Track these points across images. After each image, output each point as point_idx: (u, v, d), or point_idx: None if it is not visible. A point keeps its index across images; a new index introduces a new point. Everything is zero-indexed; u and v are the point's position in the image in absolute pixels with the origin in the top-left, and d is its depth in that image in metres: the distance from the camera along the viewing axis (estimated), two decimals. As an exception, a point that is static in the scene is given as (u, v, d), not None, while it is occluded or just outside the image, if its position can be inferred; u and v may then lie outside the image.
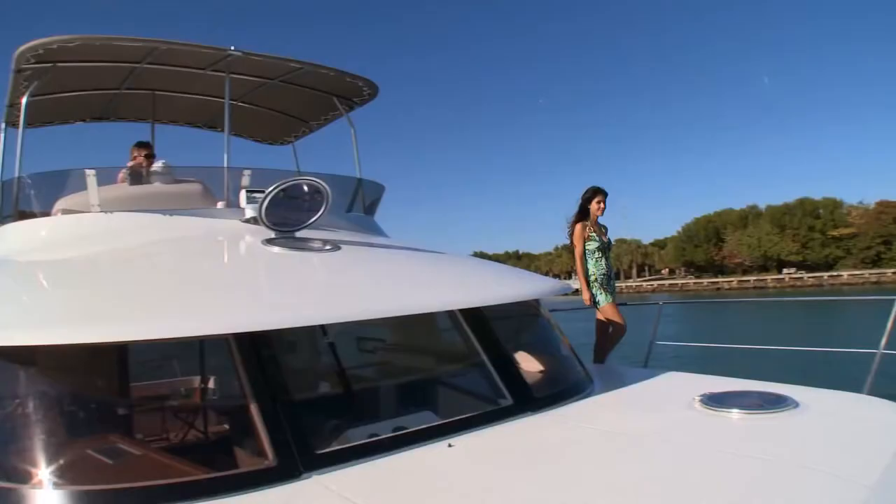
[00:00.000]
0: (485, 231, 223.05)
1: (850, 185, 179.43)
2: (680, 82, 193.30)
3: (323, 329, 3.53)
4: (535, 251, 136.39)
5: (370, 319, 3.05)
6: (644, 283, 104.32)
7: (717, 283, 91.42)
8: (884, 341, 4.29)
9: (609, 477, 2.26)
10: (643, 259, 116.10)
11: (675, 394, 3.33)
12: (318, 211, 3.63)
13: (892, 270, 79.22)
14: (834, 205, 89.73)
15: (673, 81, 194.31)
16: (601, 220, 6.16)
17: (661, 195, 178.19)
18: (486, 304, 3.16)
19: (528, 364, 3.46)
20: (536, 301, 3.73)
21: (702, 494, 2.07)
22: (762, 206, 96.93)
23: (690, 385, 3.46)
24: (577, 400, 3.21)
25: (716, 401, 3.00)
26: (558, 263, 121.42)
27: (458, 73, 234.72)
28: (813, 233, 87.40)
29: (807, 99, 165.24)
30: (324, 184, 3.61)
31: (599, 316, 5.95)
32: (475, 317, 3.14)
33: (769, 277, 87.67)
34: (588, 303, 5.86)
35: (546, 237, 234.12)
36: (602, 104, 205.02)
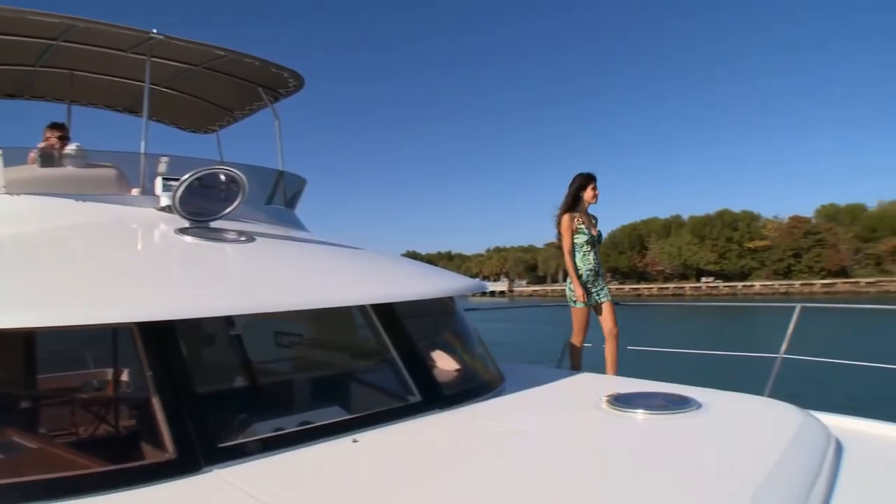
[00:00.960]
0: (419, 231, 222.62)
1: (768, 200, 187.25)
2: (613, 92, 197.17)
3: (231, 321, 3.45)
4: (468, 252, 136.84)
5: (281, 312, 3.03)
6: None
7: (638, 289, 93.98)
8: (784, 346, 4.55)
9: (510, 474, 2.27)
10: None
11: (584, 394, 3.39)
12: (234, 201, 3.56)
13: (801, 282, 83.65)
14: (751, 218, 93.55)
15: (608, 91, 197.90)
16: (591, 211, 5.77)
17: (612, 202, 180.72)
18: (399, 301, 3.16)
19: (440, 362, 3.45)
20: (451, 299, 3.72)
21: (598, 491, 2.12)
22: (685, 216, 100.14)
23: (600, 386, 3.55)
24: (487, 398, 3.23)
25: (622, 401, 3.05)
26: (488, 265, 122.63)
27: (401, 70, 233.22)
28: (731, 244, 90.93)
29: (735, 113, 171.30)
30: (240, 174, 3.53)
31: (577, 316, 5.52)
32: (387, 313, 3.11)
33: (687, 285, 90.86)
34: (582, 300, 5.43)
35: (479, 239, 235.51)
36: (538, 110, 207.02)
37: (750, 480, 2.15)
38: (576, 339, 5.59)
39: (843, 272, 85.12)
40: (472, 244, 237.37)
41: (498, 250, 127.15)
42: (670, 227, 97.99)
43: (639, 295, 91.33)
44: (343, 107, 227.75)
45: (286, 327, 4.09)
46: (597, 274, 5.63)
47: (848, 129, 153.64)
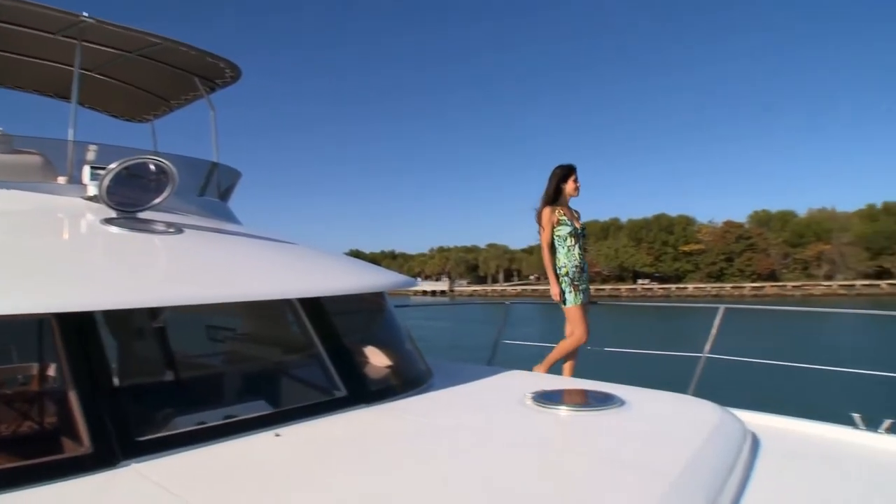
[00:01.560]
0: (365, 229, 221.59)
1: (704, 205, 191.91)
2: (555, 95, 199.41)
3: (155, 313, 3.36)
4: (412, 252, 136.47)
5: (206, 305, 2.97)
6: (508, 288, 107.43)
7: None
8: (708, 346, 4.68)
9: (431, 469, 2.31)
10: (510, 264, 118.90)
11: (510, 391, 3.39)
12: (163, 192, 3.47)
13: (731, 285, 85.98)
14: (687, 222, 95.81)
15: (551, 93, 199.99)
16: (573, 205, 5.45)
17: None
18: (326, 295, 3.16)
19: (367, 357, 3.45)
20: (381, 295, 3.74)
21: (514, 486, 2.13)
22: (624, 219, 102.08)
23: (527, 383, 3.63)
24: (413, 394, 3.24)
25: (547, 398, 3.10)
26: (431, 265, 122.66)
27: (350, 67, 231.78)
28: (666, 247, 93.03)
29: (675, 119, 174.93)
30: (170, 164, 3.44)
31: (572, 317, 5.19)
32: (314, 307, 3.09)
33: (623, 287, 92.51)
34: (557, 298, 5.16)
35: (424, 238, 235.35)
36: (485, 110, 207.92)
37: (664, 474, 2.22)
38: (568, 342, 5.23)
39: (772, 276, 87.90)
40: (416, 244, 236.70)
41: (441, 250, 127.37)
42: (609, 229, 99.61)
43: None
44: (292, 103, 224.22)
45: (213, 321, 4.05)
46: (582, 270, 5.26)
47: (782, 137, 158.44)
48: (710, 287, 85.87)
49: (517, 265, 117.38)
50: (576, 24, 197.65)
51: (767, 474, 2.72)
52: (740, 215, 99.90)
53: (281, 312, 3.42)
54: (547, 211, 5.21)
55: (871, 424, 3.51)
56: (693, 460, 2.42)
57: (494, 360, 5.35)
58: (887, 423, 3.46)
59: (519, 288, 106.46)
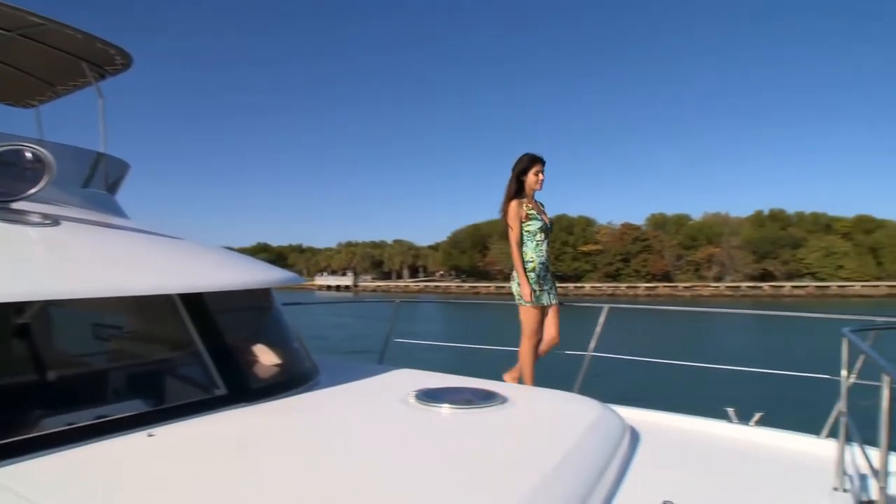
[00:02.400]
0: (274, 223, 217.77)
1: (606, 207, 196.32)
2: (468, 93, 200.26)
3: (23, 308, 3.01)
4: (321, 246, 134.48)
5: (81, 300, 2.81)
6: (411, 284, 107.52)
7: (477, 287, 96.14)
8: (592, 344, 4.81)
9: (307, 468, 2.28)
10: (415, 260, 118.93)
11: (395, 389, 3.38)
12: (39, 182, 3.20)
13: (626, 285, 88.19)
14: (586, 223, 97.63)
15: (462, 92, 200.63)
16: (538, 197, 5.12)
17: (461, 201, 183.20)
18: (207, 291, 3.07)
19: (251, 354, 3.38)
20: (267, 291, 3.66)
21: (389, 483, 2.14)
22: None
23: (413, 381, 3.56)
24: (298, 392, 3.22)
25: (429, 396, 3.11)
26: (337, 259, 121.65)
27: (262, 58, 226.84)
28: (566, 247, 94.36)
29: (581, 122, 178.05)
30: (47, 152, 3.18)
31: (527, 318, 4.89)
32: (195, 303, 3.01)
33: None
34: (528, 298, 4.86)
35: (334, 233, 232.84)
36: (396, 108, 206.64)
37: (536, 469, 2.25)
38: (526, 346, 4.98)
39: (666, 276, 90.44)
40: (326, 238, 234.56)
41: (349, 245, 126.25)
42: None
43: (476, 293, 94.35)
44: (201, 94, 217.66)
45: (90, 317, 3.70)
46: (546, 269, 5.00)
47: (682, 141, 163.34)
48: (606, 286, 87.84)
49: (423, 261, 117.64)
50: (473, 23, 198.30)
51: (645, 467, 2.89)
52: (639, 218, 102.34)
53: (161, 309, 3.26)
54: (514, 205, 4.89)
55: (743, 418, 3.82)
56: (568, 455, 2.47)
57: (385, 358, 5.34)
58: (757, 416, 3.79)
59: (422, 284, 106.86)
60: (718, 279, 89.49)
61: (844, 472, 2.94)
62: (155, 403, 2.90)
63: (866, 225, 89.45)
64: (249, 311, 3.79)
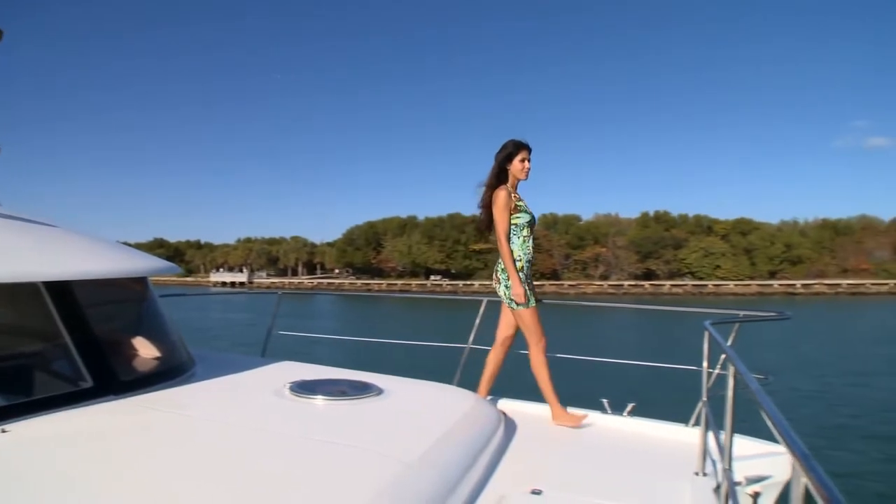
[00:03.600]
0: (172, 217, 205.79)
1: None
2: (369, 90, 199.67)
3: None
4: (222, 241, 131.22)
5: None
6: (306, 280, 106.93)
7: (370, 284, 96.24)
8: (471, 337, 4.79)
9: (173, 462, 2.22)
10: (310, 257, 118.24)
11: (272, 381, 3.32)
12: None
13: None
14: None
15: (367, 88, 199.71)
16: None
17: (360, 198, 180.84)
18: (74, 279, 2.92)
19: (122, 346, 3.27)
20: (143, 280, 3.54)
21: (255, 475, 2.11)
22: (422, 216, 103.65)
23: (293, 374, 3.51)
24: (170, 385, 3.11)
25: (304, 388, 3.11)
26: (234, 255, 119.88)
27: (160, 46, 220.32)
28: (458, 245, 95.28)
29: (476, 124, 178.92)
30: None
31: (529, 321, 4.21)
32: (61, 292, 2.86)
33: (414, 282, 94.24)
34: (522, 300, 4.17)
35: (234, 228, 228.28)
36: (301, 102, 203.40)
37: (405, 459, 2.28)
38: (537, 354, 4.27)
39: (554, 275, 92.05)
40: (226, 234, 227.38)
41: (248, 241, 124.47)
42: (405, 226, 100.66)
43: (369, 289, 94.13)
44: (94, 85, 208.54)
45: None
46: (532, 266, 4.37)
47: (578, 142, 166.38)
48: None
49: (320, 258, 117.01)
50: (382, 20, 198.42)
51: (519, 456, 3.01)
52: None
53: (25, 298, 3.02)
54: (504, 193, 4.22)
55: (617, 408, 3.97)
56: (435, 445, 2.50)
57: (268, 351, 5.21)
58: (630, 406, 3.95)
59: (316, 281, 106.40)
60: (604, 277, 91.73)
61: (705, 458, 3.06)
62: (11, 398, 2.68)
63: (743, 227, 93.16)
64: (123, 301, 3.64)
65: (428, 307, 42.95)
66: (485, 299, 4.94)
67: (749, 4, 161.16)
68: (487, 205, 4.31)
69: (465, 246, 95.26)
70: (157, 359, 3.44)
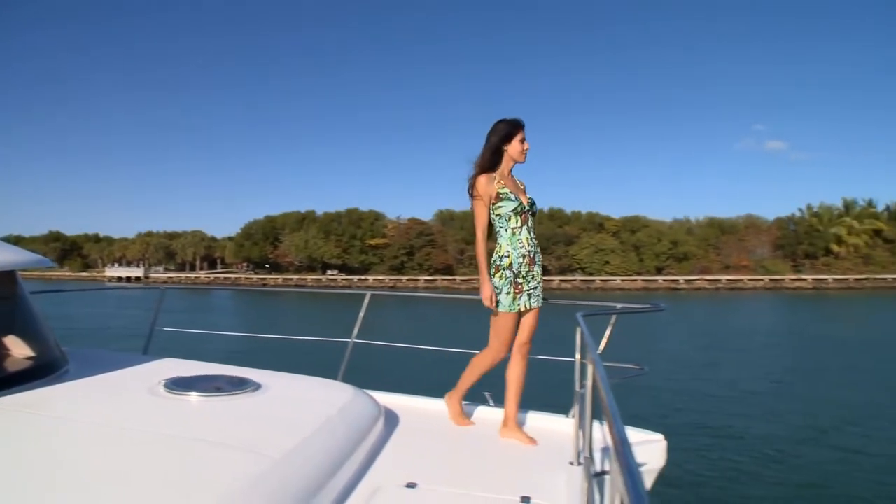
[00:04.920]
0: (68, 210, 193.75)
1: (404, 202, 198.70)
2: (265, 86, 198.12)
3: None
4: (125, 235, 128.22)
5: None
6: (202, 275, 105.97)
7: (266, 279, 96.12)
8: (355, 331, 4.79)
9: (32, 463, 2.12)
10: (209, 251, 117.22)
11: (148, 378, 3.24)
12: None
13: (408, 277, 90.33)
14: (375, 217, 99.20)
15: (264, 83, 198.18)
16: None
17: (259, 193, 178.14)
18: None
19: None
20: (10, 274, 3.41)
21: (108, 474, 2.05)
22: (321, 211, 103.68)
23: (171, 370, 3.44)
24: (38, 385, 2.98)
25: (179, 385, 3.04)
26: (132, 250, 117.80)
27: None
28: (354, 240, 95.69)
29: (395, 118, 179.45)
30: None
31: (501, 327, 3.79)
32: None
33: (309, 277, 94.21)
34: (488, 303, 3.75)
35: (136, 221, 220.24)
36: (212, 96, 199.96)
37: (273, 454, 2.25)
38: (486, 359, 3.90)
39: (449, 270, 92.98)
40: (127, 227, 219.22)
41: (149, 235, 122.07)
42: (304, 220, 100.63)
43: (265, 284, 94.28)
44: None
45: None
46: (532, 262, 3.84)
47: (470, 141, 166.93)
48: (388, 279, 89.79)
49: (221, 253, 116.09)
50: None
51: (399, 450, 3.06)
52: (430, 213, 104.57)
53: None
54: (482, 181, 3.79)
55: (499, 401, 3.95)
56: (306, 440, 2.48)
57: (151, 348, 5.10)
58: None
59: (213, 276, 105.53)
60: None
61: (580, 448, 2.97)
62: None
63: (633, 225, 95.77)
64: None
65: (327, 302, 42.73)
66: (368, 293, 4.95)
67: (655, 6, 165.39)
68: (471, 193, 3.87)
69: (361, 241, 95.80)
70: (25, 357, 3.34)
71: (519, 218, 3.83)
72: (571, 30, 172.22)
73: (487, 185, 3.80)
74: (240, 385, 3.14)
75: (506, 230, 3.83)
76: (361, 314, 4.86)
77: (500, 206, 3.80)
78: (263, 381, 3.23)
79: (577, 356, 3.27)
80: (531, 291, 3.85)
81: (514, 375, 3.86)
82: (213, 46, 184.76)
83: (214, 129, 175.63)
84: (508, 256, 3.79)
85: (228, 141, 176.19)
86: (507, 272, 3.77)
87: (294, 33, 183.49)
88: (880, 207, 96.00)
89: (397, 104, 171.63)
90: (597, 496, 2.66)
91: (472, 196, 3.89)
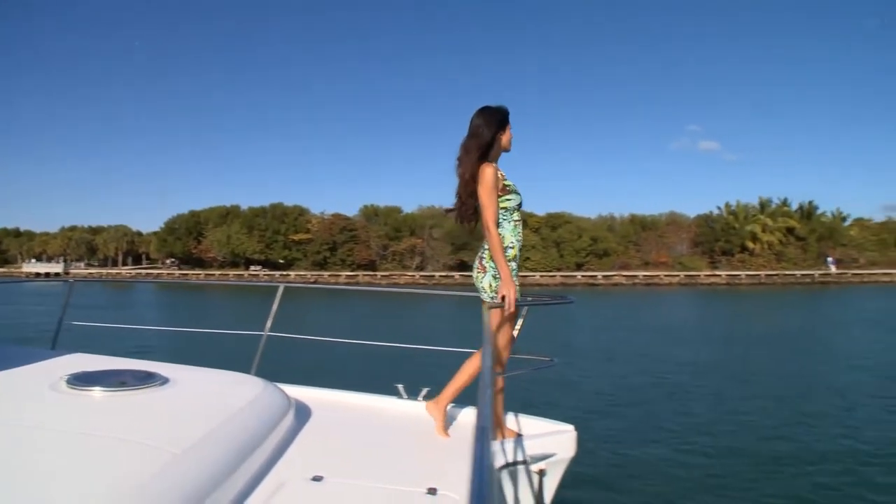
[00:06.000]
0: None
1: (334, 198, 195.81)
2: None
3: None
4: (46, 230, 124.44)
5: None
6: (124, 271, 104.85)
7: (188, 275, 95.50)
8: (268, 324, 4.68)
9: None
10: (131, 246, 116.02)
11: (52, 374, 3.11)
12: None
13: (329, 273, 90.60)
14: (300, 212, 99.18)
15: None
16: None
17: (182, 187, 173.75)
18: None
19: None
20: None
21: (3, 473, 1.99)
22: (247, 206, 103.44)
23: (75, 365, 3.32)
24: None
25: (82, 380, 2.95)
26: (53, 245, 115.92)
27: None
28: (278, 235, 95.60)
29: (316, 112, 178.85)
30: None
31: (503, 323, 3.54)
32: None
33: (231, 272, 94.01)
34: (511, 304, 3.45)
35: (60, 215, 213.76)
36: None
37: (173, 450, 2.19)
38: (504, 356, 3.63)
39: (371, 265, 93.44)
40: (51, 221, 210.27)
41: (71, 229, 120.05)
42: (228, 215, 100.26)
43: (187, 280, 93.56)
44: None
45: None
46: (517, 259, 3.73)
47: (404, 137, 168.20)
48: (310, 274, 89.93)
49: (146, 248, 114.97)
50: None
51: (308, 443, 3.02)
52: (356, 209, 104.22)
53: None
54: (491, 171, 3.57)
55: (413, 393, 4.00)
56: (209, 435, 2.42)
57: (59, 342, 4.92)
58: (424, 391, 3.96)
59: (135, 272, 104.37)
60: (420, 268, 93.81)
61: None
62: None
63: (554, 221, 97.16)
64: None
65: (249, 296, 42.33)
66: (281, 285, 4.92)
67: (595, 7, 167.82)
68: (473, 190, 3.66)
69: (284, 236, 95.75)
70: None
71: (519, 213, 3.77)
72: (503, 28, 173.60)
73: (494, 176, 3.59)
74: (146, 379, 3.05)
75: (509, 222, 3.69)
76: (275, 307, 4.74)
77: (508, 199, 3.67)
78: (172, 376, 3.16)
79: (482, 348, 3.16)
80: (519, 287, 3.72)
81: (475, 368, 3.69)
82: (127, 37, 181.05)
83: (145, 122, 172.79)
84: (513, 248, 3.66)
85: (158, 134, 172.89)
86: (512, 263, 3.62)
87: (224, 21, 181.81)
88: (794, 206, 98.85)
89: (325, 100, 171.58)
90: (506, 487, 2.84)
91: (469, 186, 3.67)
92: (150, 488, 1.96)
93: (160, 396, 2.93)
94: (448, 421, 3.64)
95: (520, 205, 3.74)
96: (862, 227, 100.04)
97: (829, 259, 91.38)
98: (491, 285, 3.58)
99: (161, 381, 3.07)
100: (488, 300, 3.56)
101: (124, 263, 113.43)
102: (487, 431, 1.50)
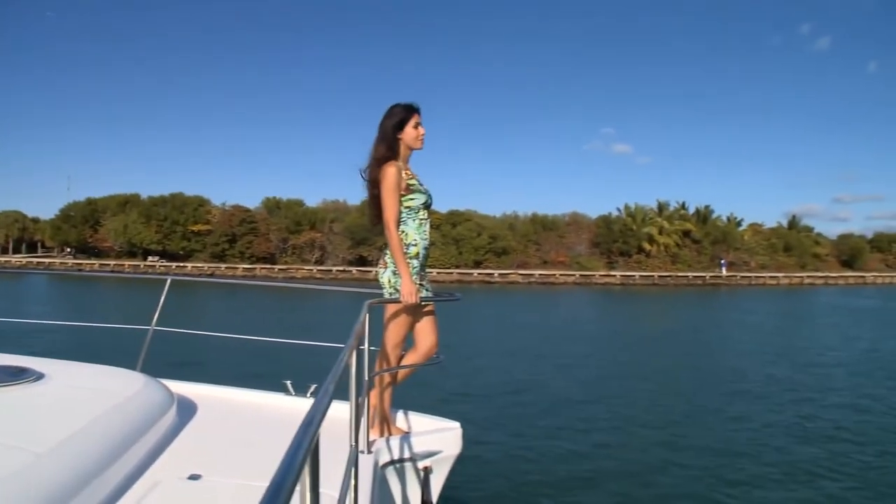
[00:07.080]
0: None
1: (240, 189, 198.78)
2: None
3: None
4: None
5: None
6: (13, 259, 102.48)
7: (82, 265, 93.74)
8: (155, 318, 4.56)
9: None
10: (22, 233, 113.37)
11: None
12: None
13: (227, 265, 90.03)
14: (200, 202, 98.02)
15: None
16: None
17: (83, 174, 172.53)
18: None
19: None
20: None
21: None
22: (146, 195, 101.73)
23: None
24: None
25: None
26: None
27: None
28: (176, 226, 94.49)
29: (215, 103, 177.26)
30: None
31: (402, 320, 3.75)
32: None
33: (127, 263, 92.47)
34: (413, 299, 3.64)
35: None
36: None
37: (37, 449, 2.11)
38: (392, 353, 3.85)
39: (271, 259, 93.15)
40: None
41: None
42: (127, 204, 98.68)
43: (80, 270, 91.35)
44: None
45: None
46: (427, 257, 3.92)
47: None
48: (207, 266, 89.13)
49: (40, 235, 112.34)
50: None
51: (190, 441, 2.95)
52: (259, 201, 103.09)
53: None
54: (395, 170, 3.65)
55: (300, 390, 3.98)
56: (79, 433, 2.33)
57: None
58: (312, 387, 3.97)
59: (25, 260, 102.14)
60: (321, 263, 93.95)
61: (368, 436, 3.17)
62: None
63: (455, 219, 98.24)
64: None
65: (142, 288, 41.29)
66: (169, 278, 4.88)
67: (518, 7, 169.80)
68: (374, 182, 3.78)
69: (183, 227, 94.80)
70: None
71: (426, 212, 3.91)
72: (408, 23, 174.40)
73: (397, 175, 3.72)
74: (17, 375, 2.92)
75: (413, 220, 3.83)
76: (161, 300, 4.67)
77: (411, 199, 3.81)
78: (47, 371, 3.05)
79: (367, 344, 3.25)
80: (426, 285, 3.95)
81: (423, 350, 3.92)
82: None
83: (58, 112, 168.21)
84: (416, 245, 3.81)
85: (63, 122, 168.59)
86: (414, 261, 3.78)
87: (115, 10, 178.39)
88: (692, 210, 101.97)
89: (232, 90, 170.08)
90: (392, 484, 2.88)
91: (375, 185, 3.78)
92: (8, 490, 1.87)
93: (31, 393, 2.80)
94: (335, 418, 4.09)
95: (427, 204, 3.90)
96: (755, 231, 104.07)
97: (722, 262, 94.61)
98: (390, 281, 3.75)
99: (34, 376, 2.94)
100: (387, 295, 3.75)
101: (17, 251, 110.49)
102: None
